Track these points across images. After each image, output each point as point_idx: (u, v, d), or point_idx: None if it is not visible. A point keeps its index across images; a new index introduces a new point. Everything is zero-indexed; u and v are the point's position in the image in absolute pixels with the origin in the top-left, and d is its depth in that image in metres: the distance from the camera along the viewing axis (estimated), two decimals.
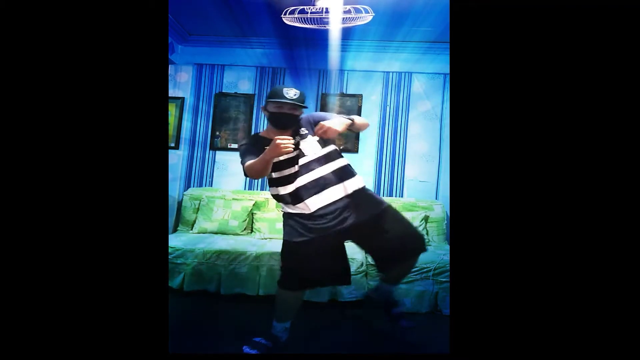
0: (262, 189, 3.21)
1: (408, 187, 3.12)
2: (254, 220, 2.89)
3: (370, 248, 1.72)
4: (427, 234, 2.82)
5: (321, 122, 1.52)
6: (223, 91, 3.28)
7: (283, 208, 1.68)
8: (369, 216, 1.58)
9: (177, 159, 3.20)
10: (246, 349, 1.64)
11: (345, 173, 1.63)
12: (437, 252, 2.49)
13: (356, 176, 1.66)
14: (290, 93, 1.57)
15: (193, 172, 3.27)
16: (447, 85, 3.10)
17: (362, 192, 1.64)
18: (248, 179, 3.22)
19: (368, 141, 3.15)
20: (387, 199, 2.93)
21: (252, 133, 3.15)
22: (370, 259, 2.21)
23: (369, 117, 3.15)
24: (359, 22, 2.14)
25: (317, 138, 1.60)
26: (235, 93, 3.26)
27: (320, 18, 2.10)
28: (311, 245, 1.56)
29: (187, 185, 3.25)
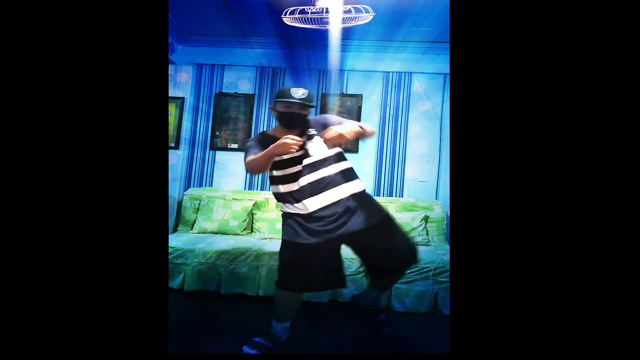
0: (262, 189, 3.21)
1: (408, 187, 3.12)
2: (254, 220, 2.89)
3: (364, 255, 1.72)
4: (427, 234, 2.82)
5: (332, 128, 1.49)
6: (223, 91, 3.28)
7: (282, 208, 1.69)
8: (367, 225, 1.58)
9: (177, 159, 3.20)
10: (246, 349, 1.64)
11: (347, 176, 1.63)
12: (437, 252, 2.50)
13: (357, 180, 1.67)
14: (298, 93, 1.59)
15: (193, 172, 3.27)
16: (447, 85, 3.10)
17: (361, 197, 1.64)
18: (248, 179, 3.23)
19: (368, 141, 3.14)
20: (387, 199, 2.96)
21: (258, 132, 3.15)
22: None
23: (369, 117, 3.15)
24: (359, 22, 2.13)
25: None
26: (235, 93, 3.26)
27: (321, 18, 2.10)
28: (309, 247, 1.56)
29: (187, 185, 3.25)
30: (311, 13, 2.09)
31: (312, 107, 1.66)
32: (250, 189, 3.22)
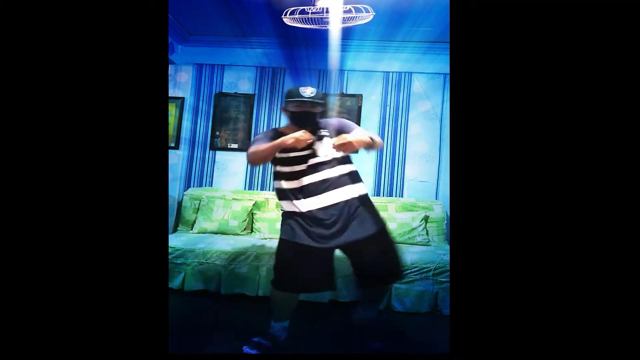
0: (262, 189, 3.21)
1: (408, 187, 3.12)
2: (254, 220, 2.89)
3: (355, 261, 1.70)
4: (427, 234, 2.82)
5: (343, 135, 1.52)
6: (223, 91, 3.28)
7: (282, 206, 1.70)
8: (365, 235, 1.58)
9: (177, 159, 3.20)
10: (246, 349, 1.64)
11: (350, 179, 1.65)
12: (437, 252, 2.50)
13: (359, 183, 1.68)
14: (307, 92, 1.61)
15: (193, 172, 3.27)
16: (447, 85, 3.10)
17: (362, 201, 1.64)
18: (248, 179, 3.23)
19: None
20: (387, 199, 2.96)
21: (258, 132, 3.18)
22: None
23: (369, 117, 3.15)
24: (359, 22, 2.13)
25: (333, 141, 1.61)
26: (235, 93, 3.26)
27: (321, 18, 2.10)
28: (306, 248, 1.57)
29: (187, 185, 3.25)
30: (312, 13, 2.09)
31: (322, 104, 1.68)
32: (250, 189, 3.22)
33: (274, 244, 2.50)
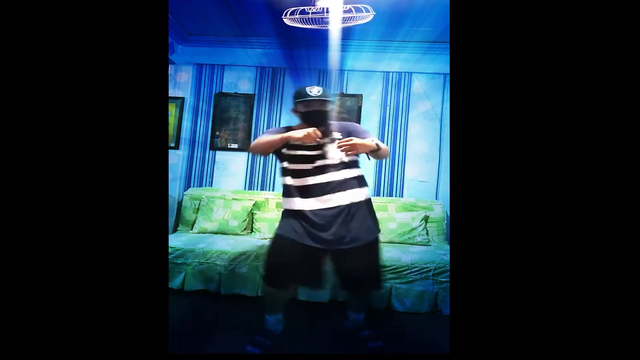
0: (262, 189, 3.21)
1: (408, 187, 3.12)
2: (254, 220, 2.89)
3: (339, 265, 1.69)
4: (427, 234, 2.82)
5: (352, 138, 1.53)
6: (223, 91, 3.28)
7: (284, 204, 1.71)
8: (361, 241, 1.60)
9: (177, 159, 3.20)
10: (248, 348, 1.65)
11: (355, 183, 1.66)
12: (437, 252, 2.50)
13: (364, 188, 1.69)
14: (314, 91, 1.63)
15: (193, 172, 3.27)
16: (447, 85, 3.10)
17: (363, 207, 1.65)
18: (248, 179, 3.23)
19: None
20: (387, 199, 2.96)
21: (258, 132, 3.21)
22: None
23: (369, 117, 3.15)
24: (359, 22, 2.13)
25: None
26: (235, 93, 3.26)
27: (321, 18, 2.10)
28: (300, 246, 1.58)
29: (187, 185, 3.25)
30: (312, 13, 2.09)
31: (331, 102, 1.69)
32: (250, 189, 3.22)
33: None
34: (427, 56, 3.05)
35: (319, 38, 2.86)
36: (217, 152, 3.26)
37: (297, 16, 2.12)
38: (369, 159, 1.70)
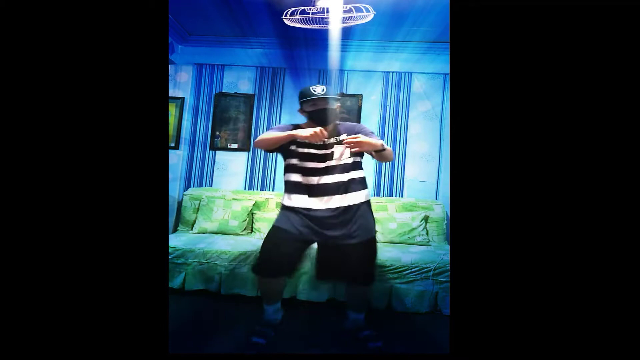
0: (262, 189, 3.21)
1: (408, 187, 3.12)
2: (254, 220, 2.89)
3: (331, 255, 1.71)
4: (427, 234, 2.82)
5: (359, 135, 1.54)
6: (223, 91, 3.28)
7: (284, 200, 1.72)
8: (357, 241, 1.62)
9: (177, 159, 3.20)
10: (254, 339, 1.68)
11: (358, 185, 1.68)
12: (437, 252, 2.50)
13: (365, 190, 1.71)
14: (318, 89, 1.65)
15: (193, 172, 3.27)
16: (447, 85, 3.10)
17: (363, 208, 1.67)
18: (248, 179, 3.23)
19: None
20: (387, 199, 2.96)
21: (258, 132, 3.22)
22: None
23: (369, 117, 3.15)
24: (359, 21, 2.13)
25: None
26: (235, 93, 3.26)
27: (321, 18, 2.10)
28: (293, 236, 1.61)
29: (187, 185, 3.25)
30: (312, 13, 2.09)
31: (337, 99, 1.70)
32: (250, 189, 3.22)
33: None
34: (427, 56, 3.05)
35: (319, 38, 2.86)
36: (217, 152, 3.26)
37: (297, 16, 2.12)
38: (373, 158, 1.70)
